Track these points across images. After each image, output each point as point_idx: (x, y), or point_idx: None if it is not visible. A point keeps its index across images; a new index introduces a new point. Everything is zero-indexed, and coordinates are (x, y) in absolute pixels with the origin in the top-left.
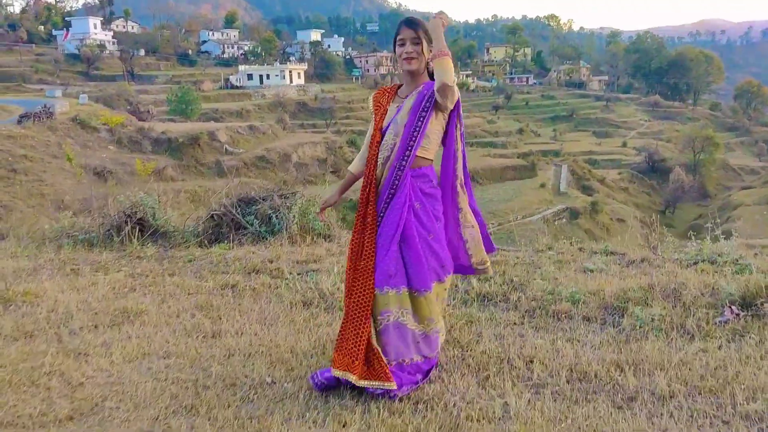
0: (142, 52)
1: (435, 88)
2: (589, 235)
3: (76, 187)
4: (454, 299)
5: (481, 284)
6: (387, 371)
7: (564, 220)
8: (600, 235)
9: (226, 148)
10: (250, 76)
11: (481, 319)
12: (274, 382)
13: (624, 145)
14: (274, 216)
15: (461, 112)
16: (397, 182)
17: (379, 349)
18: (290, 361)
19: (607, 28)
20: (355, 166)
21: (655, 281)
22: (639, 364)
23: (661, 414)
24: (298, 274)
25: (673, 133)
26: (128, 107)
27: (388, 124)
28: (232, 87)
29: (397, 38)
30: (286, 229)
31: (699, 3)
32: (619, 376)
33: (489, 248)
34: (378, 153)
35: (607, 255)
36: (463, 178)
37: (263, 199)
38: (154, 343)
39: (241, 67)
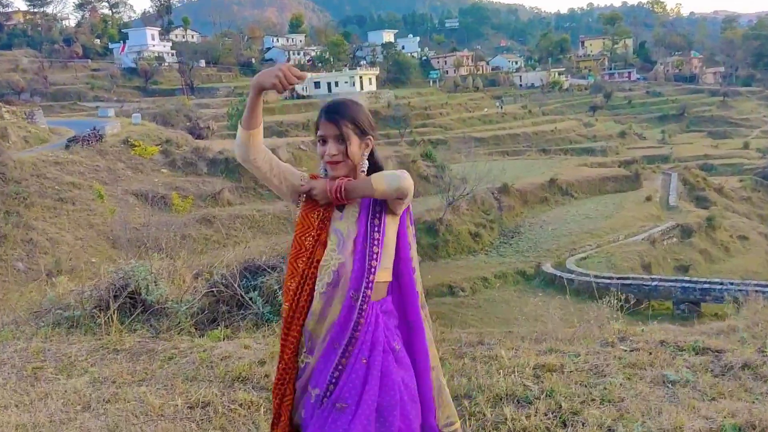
0: (203, 63)
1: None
2: (705, 257)
3: (128, 217)
4: None
5: (519, 414)
6: None
7: (674, 239)
8: (718, 255)
9: None
10: (317, 84)
11: None
12: None
13: (745, 146)
14: (280, 293)
15: (410, 205)
16: (360, 320)
17: None
18: None
19: (722, 11)
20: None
21: (755, 418)
22: None
23: None
24: None
25: None
26: (188, 123)
27: (327, 236)
28: (298, 97)
29: (317, 134)
30: None
31: None
32: None
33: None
34: (315, 279)
35: (697, 354)
36: (422, 295)
37: (271, 269)
38: None
39: (308, 75)
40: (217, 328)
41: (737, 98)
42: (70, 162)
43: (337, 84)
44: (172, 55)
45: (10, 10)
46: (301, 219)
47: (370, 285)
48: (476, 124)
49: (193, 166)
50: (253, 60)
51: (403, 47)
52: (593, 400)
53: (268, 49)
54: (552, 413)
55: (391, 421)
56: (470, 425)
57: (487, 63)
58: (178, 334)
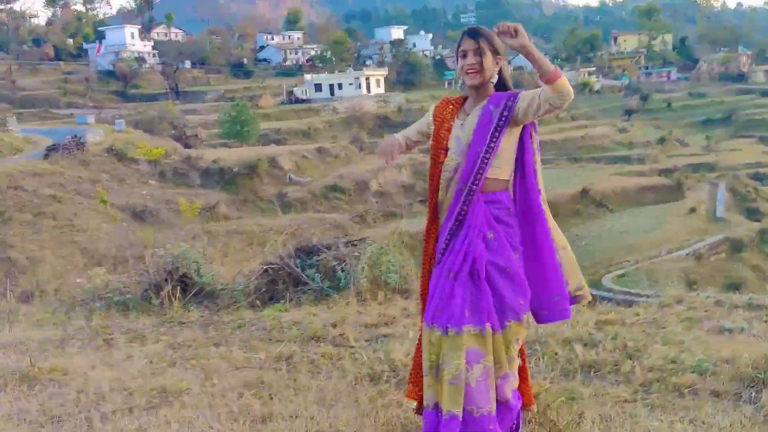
0: (188, 64)
1: (551, 104)
2: (758, 274)
3: (114, 232)
4: (552, 370)
5: (588, 351)
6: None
7: (723, 254)
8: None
9: (290, 177)
10: (318, 87)
11: (584, 396)
12: None
13: None
14: (339, 268)
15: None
16: (465, 208)
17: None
18: None
19: None
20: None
21: None
22: None
23: None
24: (366, 342)
25: None
26: (172, 131)
27: (448, 142)
28: (297, 101)
29: (459, 50)
30: (354, 285)
31: None
32: None
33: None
34: (440, 174)
35: (752, 309)
36: (544, 193)
37: (326, 248)
38: (195, 429)
39: (307, 77)
40: (276, 304)
41: None
42: (49, 173)
43: (340, 86)
44: (154, 55)
45: None
46: (434, 137)
47: (477, 181)
48: None
49: (184, 177)
50: (245, 60)
51: (414, 45)
52: (655, 342)
53: (262, 47)
54: (617, 351)
55: (482, 288)
56: (545, 362)
57: (509, 62)
58: (237, 310)
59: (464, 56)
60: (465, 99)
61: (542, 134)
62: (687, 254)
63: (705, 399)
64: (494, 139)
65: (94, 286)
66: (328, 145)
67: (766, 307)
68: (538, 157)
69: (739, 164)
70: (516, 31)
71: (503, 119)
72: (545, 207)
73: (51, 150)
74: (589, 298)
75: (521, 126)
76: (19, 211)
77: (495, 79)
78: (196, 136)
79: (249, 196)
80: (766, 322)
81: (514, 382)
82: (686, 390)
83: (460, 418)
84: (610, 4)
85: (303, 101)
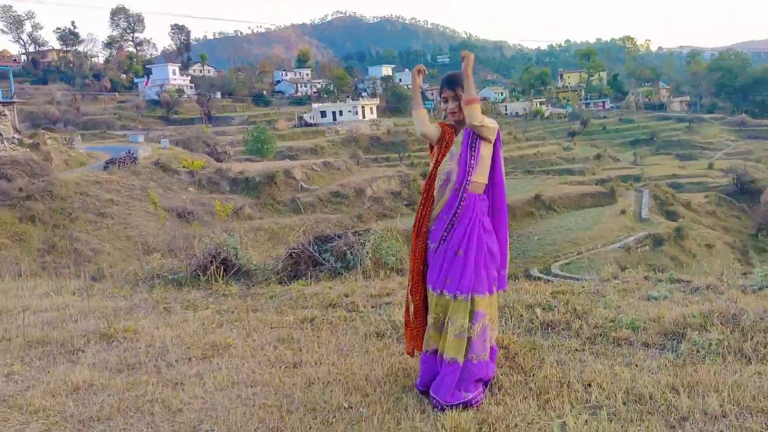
0: (219, 95)
1: (470, 124)
2: (675, 263)
3: (160, 229)
4: (518, 328)
5: (545, 313)
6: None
7: (647, 247)
8: (687, 261)
9: (301, 185)
10: (323, 113)
11: (544, 346)
12: (351, 407)
13: (710, 167)
14: (348, 252)
15: (500, 138)
16: (461, 203)
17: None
18: (365, 388)
19: (687, 46)
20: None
21: (714, 307)
22: (694, 386)
23: None
24: (372, 308)
25: (763, 153)
26: (206, 149)
27: (446, 154)
28: (306, 125)
29: (441, 96)
30: (360, 265)
31: None
32: (674, 397)
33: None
34: (437, 176)
35: (672, 283)
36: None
37: (338, 237)
38: (242, 373)
39: (315, 105)
40: (299, 280)
41: (702, 124)
42: (108, 181)
43: (341, 113)
44: (191, 87)
45: (45, 48)
46: (439, 145)
47: (467, 182)
48: None
49: (216, 185)
50: (264, 92)
51: (400, 80)
52: (597, 307)
53: (278, 82)
54: (569, 313)
55: (485, 262)
56: (512, 321)
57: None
58: (268, 285)
59: (446, 101)
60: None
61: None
62: (618, 247)
63: (637, 348)
64: (473, 149)
65: (151, 268)
66: (332, 159)
67: (684, 281)
68: (502, 166)
69: (659, 175)
70: (464, 58)
71: (476, 135)
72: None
73: (109, 163)
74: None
75: (491, 143)
76: (84, 212)
77: None
78: (225, 152)
79: (268, 201)
80: (683, 292)
81: (497, 332)
82: (623, 342)
83: (461, 364)
84: (557, 48)
85: (311, 125)
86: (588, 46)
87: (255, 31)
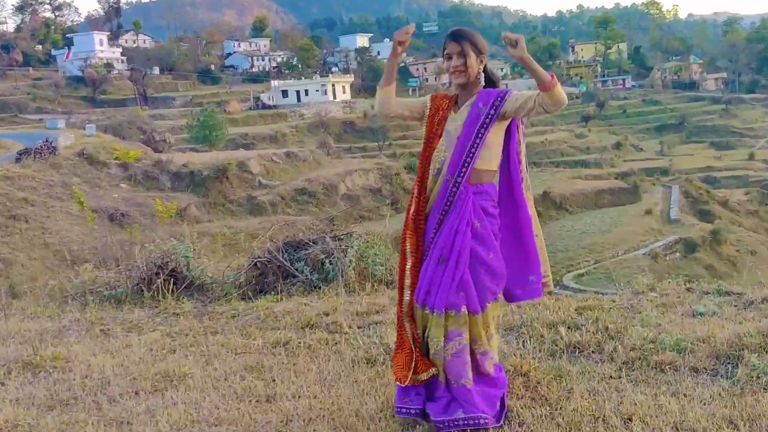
0: (156, 71)
1: (545, 108)
2: (711, 272)
3: (86, 235)
4: (539, 351)
5: (572, 333)
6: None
7: (677, 254)
8: (725, 270)
9: (259, 181)
10: (285, 93)
11: (571, 373)
12: None
13: (751, 157)
14: (327, 261)
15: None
16: (452, 198)
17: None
18: (356, 425)
19: (722, 13)
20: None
21: None
22: (756, 419)
23: None
24: (359, 328)
25: None
26: (141, 136)
27: (442, 134)
28: (264, 107)
29: (444, 52)
30: (342, 276)
31: None
32: None
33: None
34: (430, 164)
35: (721, 295)
36: (529, 181)
37: (313, 242)
38: (203, 409)
39: (274, 83)
40: (267, 296)
41: (741, 106)
42: (21, 176)
43: (307, 92)
44: (123, 61)
45: None
46: (428, 122)
47: (463, 173)
48: None
49: (154, 181)
50: (213, 66)
51: (378, 53)
52: (633, 325)
53: (229, 54)
54: (599, 332)
55: (465, 275)
56: (532, 343)
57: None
58: (229, 302)
59: (449, 58)
60: (457, 96)
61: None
62: (644, 254)
63: (685, 374)
64: (480, 136)
65: (82, 282)
66: (296, 149)
67: (735, 293)
68: (522, 147)
69: (691, 168)
70: (516, 42)
71: (489, 117)
72: (528, 195)
73: (23, 153)
74: (551, 288)
75: (510, 119)
76: None
77: (482, 78)
78: (165, 140)
79: (218, 199)
80: (735, 306)
81: (494, 357)
82: (667, 367)
83: (441, 382)
84: (567, 15)
85: (270, 107)
86: (604, 12)
87: None
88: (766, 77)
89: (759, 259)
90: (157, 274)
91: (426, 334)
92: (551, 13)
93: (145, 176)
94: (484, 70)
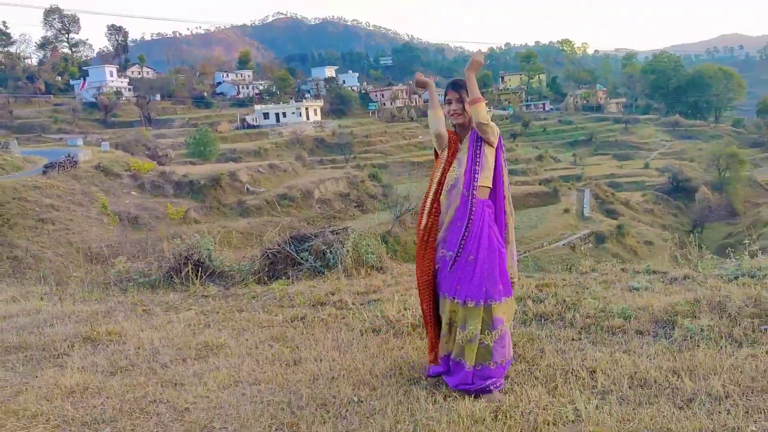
0: (158, 97)
1: (475, 127)
2: (617, 259)
3: (104, 235)
4: (513, 320)
5: (537, 305)
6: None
7: (590, 244)
8: (628, 258)
9: (247, 188)
10: (266, 115)
11: (541, 337)
12: (361, 401)
13: (646, 166)
14: (328, 251)
15: (502, 142)
16: (473, 209)
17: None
18: (372, 382)
19: (622, 49)
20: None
21: (700, 295)
22: (693, 369)
23: (719, 412)
24: (361, 305)
25: (696, 152)
26: (146, 152)
27: (454, 161)
28: (249, 126)
29: (445, 98)
30: (341, 263)
31: (715, 19)
32: (677, 381)
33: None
34: (445, 182)
35: (650, 274)
36: (509, 197)
37: (315, 236)
38: (242, 371)
39: (257, 107)
40: (279, 280)
41: (637, 125)
42: (48, 186)
43: (284, 115)
44: (130, 90)
45: None
46: (448, 154)
47: (475, 187)
48: (413, 150)
49: (160, 189)
50: (205, 93)
51: (344, 82)
52: (585, 298)
53: (219, 83)
54: (559, 304)
55: (496, 269)
56: None
57: (420, 96)
58: (247, 286)
59: (449, 103)
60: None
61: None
62: (563, 245)
63: (632, 336)
64: (477, 154)
65: (118, 271)
66: (278, 161)
67: (660, 272)
68: (505, 171)
69: (599, 175)
70: (473, 61)
71: (479, 140)
72: (508, 209)
73: (48, 167)
74: (516, 287)
75: (494, 146)
76: (23, 218)
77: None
78: (167, 155)
79: (214, 204)
80: (662, 282)
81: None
82: (617, 330)
83: (467, 369)
84: (498, 51)
85: (254, 127)
86: (528, 49)
87: (194, 32)
88: (658, 102)
89: (655, 249)
90: (185, 263)
91: (458, 324)
92: (484, 49)
93: (152, 185)
94: None
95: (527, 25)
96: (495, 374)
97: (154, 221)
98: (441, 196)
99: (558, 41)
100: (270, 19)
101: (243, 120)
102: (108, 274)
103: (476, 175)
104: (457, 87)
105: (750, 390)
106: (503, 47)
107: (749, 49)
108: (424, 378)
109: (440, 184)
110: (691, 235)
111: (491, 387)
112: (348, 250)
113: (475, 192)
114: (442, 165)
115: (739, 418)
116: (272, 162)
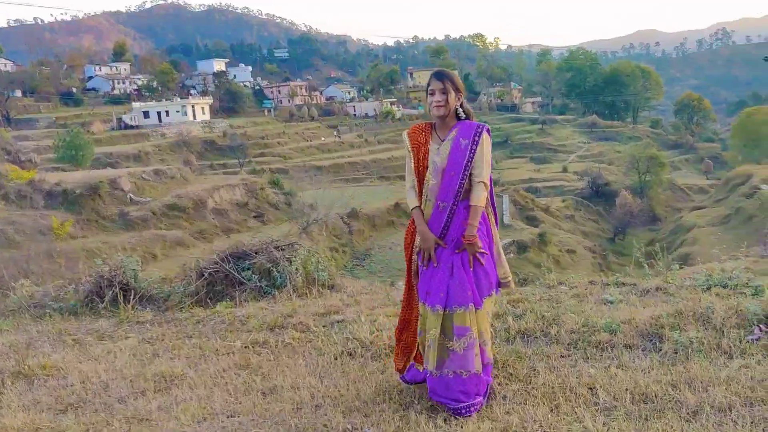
0: (19, 93)
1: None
2: (540, 270)
3: None
4: (496, 337)
5: (518, 322)
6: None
7: (512, 254)
8: (551, 267)
9: (130, 197)
10: (146, 114)
11: (529, 354)
12: (356, 429)
13: (564, 170)
14: (274, 269)
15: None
16: (450, 219)
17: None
18: (362, 408)
19: (536, 45)
20: (415, 200)
21: (682, 307)
22: (691, 382)
23: (726, 423)
24: (324, 327)
25: (615, 155)
26: (6, 157)
27: (428, 165)
28: (127, 127)
29: (428, 89)
30: (291, 282)
31: (631, 14)
32: (678, 394)
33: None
34: (422, 190)
35: (619, 286)
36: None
37: (257, 253)
38: (215, 403)
39: (135, 104)
40: (222, 302)
41: (554, 126)
42: None
43: (168, 113)
44: None
45: None
46: (414, 159)
47: (457, 201)
48: (315, 153)
49: (28, 200)
50: (74, 89)
51: (234, 76)
52: (564, 313)
53: (90, 77)
54: (539, 320)
55: (469, 276)
56: None
57: (321, 93)
58: (186, 309)
59: (432, 94)
60: (432, 125)
61: (354, 156)
62: None
63: (621, 350)
64: (467, 168)
65: (19, 297)
66: (164, 167)
67: (629, 284)
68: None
69: (516, 180)
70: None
71: (472, 151)
72: (489, 209)
73: None
74: (513, 286)
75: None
76: None
77: (461, 114)
78: (31, 160)
79: (92, 216)
80: (635, 294)
81: (491, 345)
82: (605, 344)
83: (435, 376)
84: (405, 45)
85: (132, 127)
86: (438, 43)
87: (59, 18)
88: (574, 101)
89: (578, 257)
90: (108, 286)
91: (426, 329)
92: (390, 43)
93: (18, 195)
94: (461, 106)
95: (436, 18)
96: (471, 384)
97: (21, 237)
98: (421, 202)
99: (469, 35)
100: (148, 5)
101: (120, 119)
102: (9, 301)
103: (462, 186)
104: (442, 77)
105: (751, 401)
106: (411, 40)
107: (665, 45)
108: (416, 402)
109: (420, 193)
110: (609, 243)
111: (462, 410)
112: (297, 268)
113: (457, 204)
114: (417, 168)
115: (747, 428)
116: (157, 167)
